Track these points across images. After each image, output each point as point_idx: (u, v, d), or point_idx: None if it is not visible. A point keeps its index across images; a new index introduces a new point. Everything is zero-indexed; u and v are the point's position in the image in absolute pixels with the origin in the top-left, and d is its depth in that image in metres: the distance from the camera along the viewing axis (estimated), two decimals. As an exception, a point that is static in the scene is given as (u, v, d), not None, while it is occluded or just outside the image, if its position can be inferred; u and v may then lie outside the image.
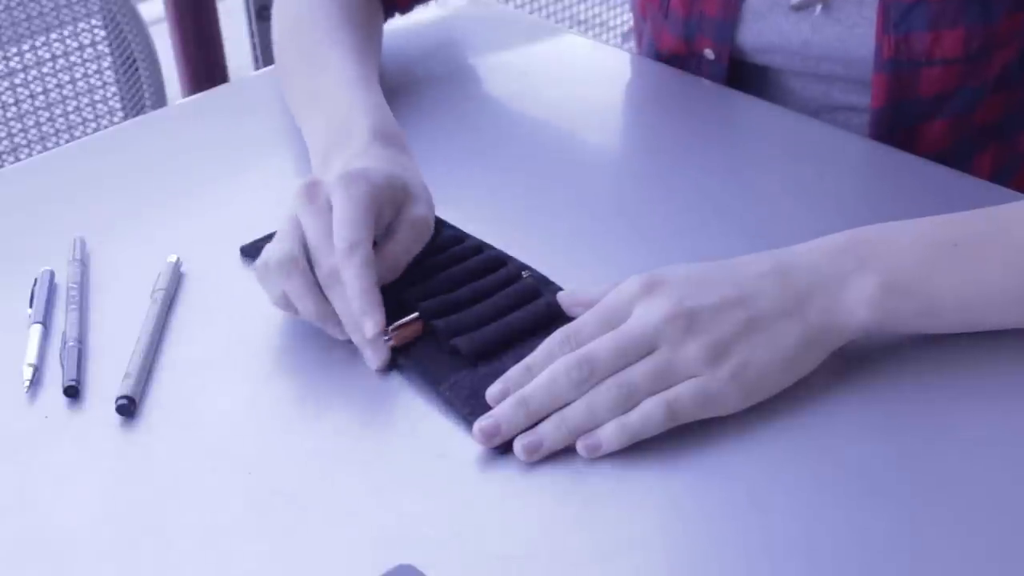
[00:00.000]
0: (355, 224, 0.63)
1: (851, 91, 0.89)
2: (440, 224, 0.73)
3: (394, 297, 0.66)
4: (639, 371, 0.59)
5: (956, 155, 0.87)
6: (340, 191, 0.64)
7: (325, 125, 0.77)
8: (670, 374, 0.59)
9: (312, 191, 0.66)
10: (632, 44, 1.10)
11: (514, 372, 0.61)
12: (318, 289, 0.64)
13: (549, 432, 0.58)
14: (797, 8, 0.87)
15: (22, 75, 1.46)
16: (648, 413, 0.58)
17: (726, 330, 0.59)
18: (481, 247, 0.72)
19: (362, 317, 0.63)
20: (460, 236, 0.73)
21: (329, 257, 0.64)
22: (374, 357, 0.64)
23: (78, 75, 1.51)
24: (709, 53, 0.93)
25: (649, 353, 0.59)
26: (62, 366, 0.64)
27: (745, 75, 0.94)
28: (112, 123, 1.55)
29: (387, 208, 0.67)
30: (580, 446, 0.58)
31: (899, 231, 0.63)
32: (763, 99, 0.94)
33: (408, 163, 0.73)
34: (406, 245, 0.67)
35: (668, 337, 0.59)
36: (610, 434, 0.58)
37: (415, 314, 0.66)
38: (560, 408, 0.59)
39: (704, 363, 0.59)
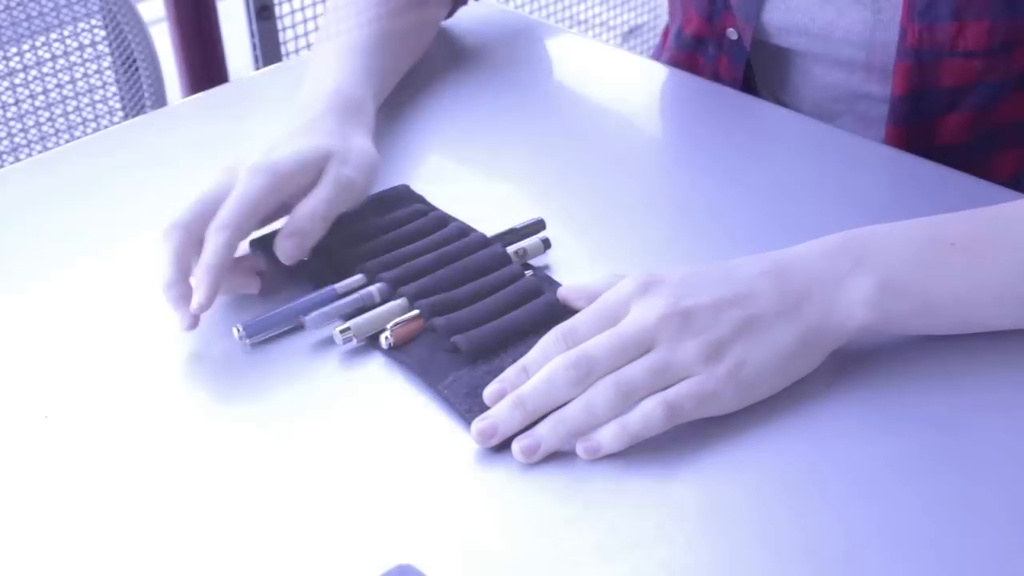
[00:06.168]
0: (233, 210, 0.67)
1: (871, 80, 0.89)
2: (426, 207, 0.76)
3: (384, 282, 0.69)
4: (637, 370, 0.59)
5: (975, 151, 0.87)
6: (241, 181, 0.69)
7: (304, 87, 0.81)
8: (668, 373, 0.59)
9: (224, 174, 0.70)
10: (633, 43, 1.10)
11: (510, 371, 0.61)
12: (181, 260, 0.67)
13: (547, 433, 0.58)
14: None
15: (22, 75, 1.46)
16: (647, 414, 0.58)
17: (723, 329, 0.59)
18: (465, 230, 0.73)
19: (196, 288, 0.65)
20: (445, 219, 0.74)
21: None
22: (181, 318, 0.65)
23: (78, 75, 1.51)
24: (732, 33, 0.92)
25: (646, 352, 0.59)
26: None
27: (766, 58, 0.94)
28: (112, 123, 1.55)
29: (297, 186, 0.71)
30: (579, 448, 0.58)
31: (896, 231, 0.63)
32: (783, 84, 0.94)
33: (353, 132, 0.76)
34: (323, 197, 0.70)
35: (665, 336, 0.59)
36: (609, 436, 0.58)
37: (415, 311, 0.66)
38: (557, 407, 0.59)
39: (702, 362, 0.59)
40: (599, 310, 0.62)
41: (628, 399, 0.58)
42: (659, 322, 0.59)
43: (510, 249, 0.71)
